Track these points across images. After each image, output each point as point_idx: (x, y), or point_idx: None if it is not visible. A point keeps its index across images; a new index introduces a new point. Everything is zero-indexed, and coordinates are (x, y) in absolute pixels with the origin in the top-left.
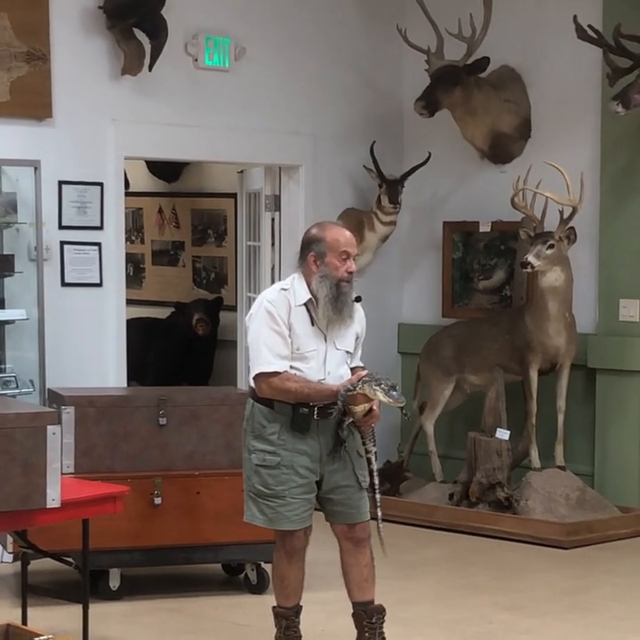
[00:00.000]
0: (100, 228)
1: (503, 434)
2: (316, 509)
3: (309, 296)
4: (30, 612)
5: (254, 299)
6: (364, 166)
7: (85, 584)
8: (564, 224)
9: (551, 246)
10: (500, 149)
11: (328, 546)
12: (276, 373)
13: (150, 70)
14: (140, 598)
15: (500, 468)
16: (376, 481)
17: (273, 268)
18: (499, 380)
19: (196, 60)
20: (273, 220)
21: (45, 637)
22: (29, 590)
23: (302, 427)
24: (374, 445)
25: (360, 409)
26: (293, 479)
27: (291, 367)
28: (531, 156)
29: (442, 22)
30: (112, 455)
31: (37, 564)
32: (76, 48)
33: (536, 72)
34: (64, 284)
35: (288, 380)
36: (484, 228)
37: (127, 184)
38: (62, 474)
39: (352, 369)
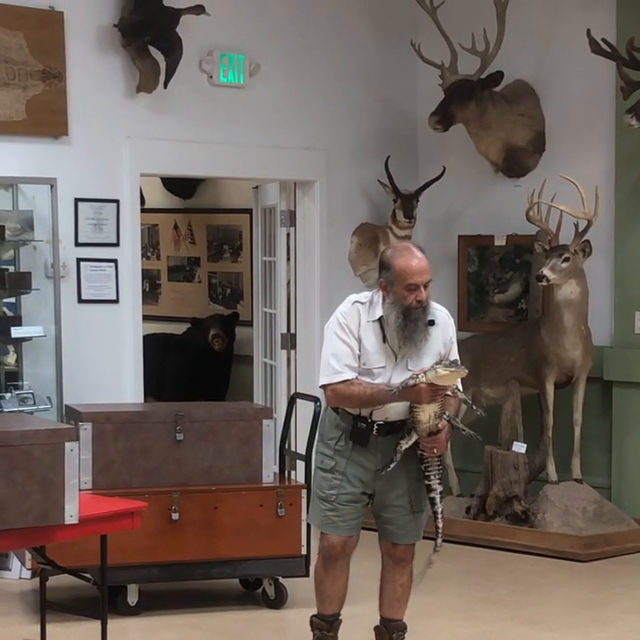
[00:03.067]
0: (117, 244)
1: (520, 447)
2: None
3: (381, 314)
4: (49, 628)
5: (270, 314)
6: (379, 181)
7: (104, 600)
8: (579, 237)
9: (566, 259)
10: (515, 163)
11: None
12: (343, 382)
13: (165, 87)
14: (158, 614)
15: (516, 482)
16: (440, 524)
17: (288, 283)
18: (515, 394)
19: (211, 76)
20: (288, 235)
21: None
22: (48, 606)
23: (360, 441)
24: (440, 483)
25: (425, 418)
26: (343, 485)
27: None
28: (545, 169)
29: (455, 37)
30: (129, 471)
31: (56, 580)
32: (92, 66)
33: (550, 86)
34: (81, 300)
35: (352, 385)
36: (499, 241)
37: (143, 201)
38: (80, 490)
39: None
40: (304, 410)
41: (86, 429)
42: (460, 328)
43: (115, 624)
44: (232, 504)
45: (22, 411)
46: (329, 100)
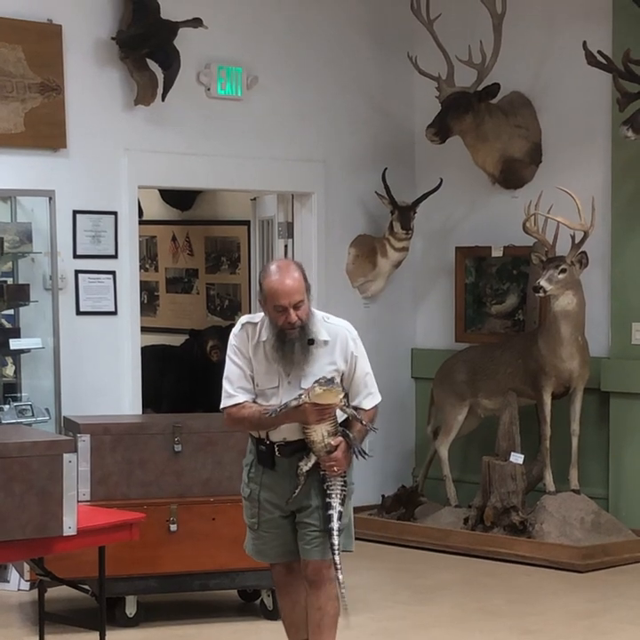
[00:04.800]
0: (115, 256)
1: (517, 458)
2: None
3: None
4: (48, 638)
5: None
6: (376, 193)
7: (102, 611)
8: (575, 248)
9: (563, 271)
10: (512, 174)
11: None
12: (235, 405)
13: (163, 100)
14: (156, 625)
15: (514, 492)
16: (335, 541)
17: None
18: (512, 405)
19: (209, 89)
20: (286, 246)
21: None
22: (46, 618)
23: (266, 463)
24: (341, 504)
25: (319, 438)
26: (261, 513)
27: (254, 402)
28: (542, 180)
29: (452, 49)
30: (128, 482)
31: (54, 592)
32: (90, 79)
33: (546, 97)
34: (79, 312)
35: (244, 408)
36: (497, 252)
37: (141, 213)
38: (78, 502)
39: (357, 409)
40: None
41: (84, 441)
42: (457, 339)
43: (113, 635)
44: (230, 515)
45: (21, 422)
46: (326, 112)
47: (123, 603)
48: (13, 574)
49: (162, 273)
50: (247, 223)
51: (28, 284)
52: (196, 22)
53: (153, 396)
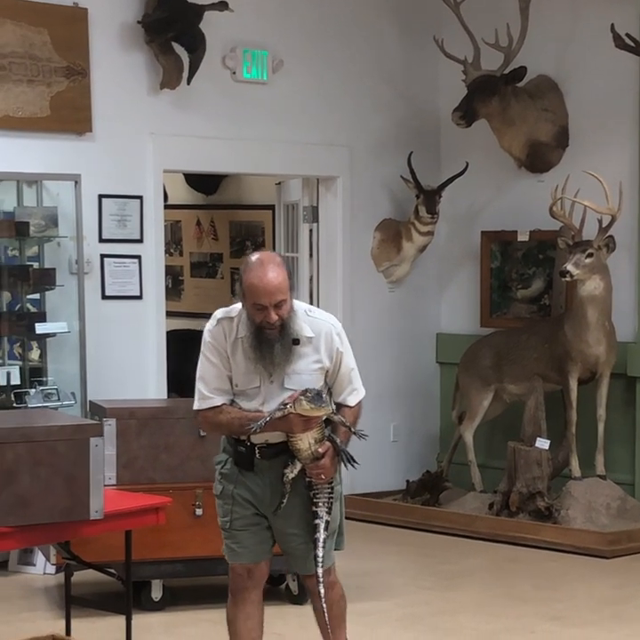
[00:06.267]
0: (140, 240)
1: (543, 443)
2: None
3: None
4: (74, 623)
5: None
6: (402, 177)
7: (128, 595)
8: (602, 232)
9: (590, 255)
10: (538, 158)
11: (364, 555)
12: (211, 408)
13: (189, 84)
14: (181, 609)
15: (540, 478)
16: (320, 553)
17: (311, 279)
18: (538, 390)
19: (234, 73)
20: (311, 231)
21: None
22: (73, 601)
23: (244, 465)
24: (328, 512)
25: (305, 446)
26: (235, 510)
27: (232, 403)
28: (569, 164)
29: (478, 32)
30: (153, 467)
31: (80, 576)
32: (115, 62)
33: (573, 81)
34: (104, 296)
35: (221, 413)
36: (523, 237)
37: (165, 197)
38: (104, 486)
39: (339, 408)
40: None
41: (110, 425)
42: (482, 324)
43: (139, 619)
44: None
45: (47, 406)
46: (352, 96)
47: (148, 587)
48: (39, 558)
49: (186, 257)
50: (272, 207)
51: (54, 269)
52: (222, 5)
53: (177, 381)
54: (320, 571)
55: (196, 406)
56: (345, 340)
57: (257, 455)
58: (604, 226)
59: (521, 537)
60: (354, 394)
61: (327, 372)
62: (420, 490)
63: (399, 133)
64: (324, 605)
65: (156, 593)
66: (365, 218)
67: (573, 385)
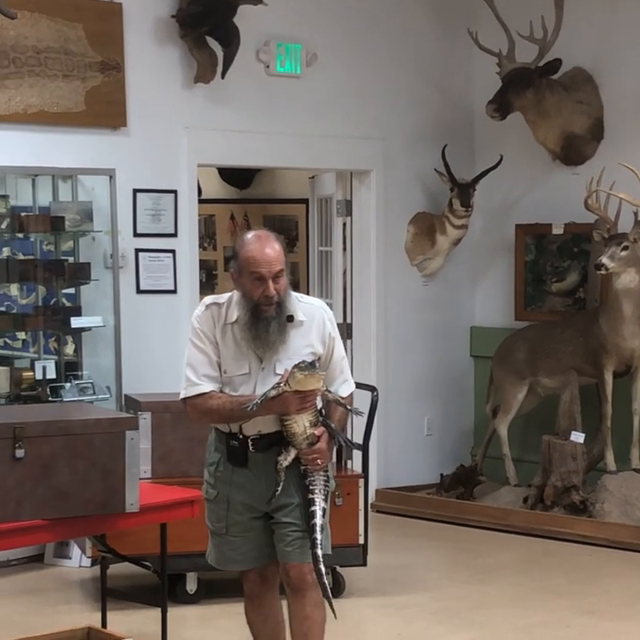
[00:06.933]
0: (174, 235)
1: (578, 437)
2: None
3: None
4: (109, 615)
5: (326, 304)
6: (436, 170)
7: (163, 588)
8: (638, 225)
9: (625, 248)
10: (573, 151)
11: (398, 549)
12: (200, 395)
13: (223, 78)
14: (216, 602)
15: (575, 472)
16: (318, 536)
17: (344, 273)
18: (573, 383)
19: (268, 66)
20: (344, 224)
21: None
22: (108, 594)
23: (237, 460)
24: (325, 500)
25: (300, 430)
26: (231, 515)
27: (221, 391)
28: (604, 157)
29: (513, 25)
30: (188, 460)
31: (116, 569)
32: (150, 57)
33: (608, 73)
34: (139, 291)
35: (211, 399)
36: (557, 230)
37: (199, 191)
38: (139, 479)
39: (329, 404)
40: (361, 399)
41: (145, 419)
42: (517, 317)
43: (173, 612)
44: None
45: (82, 400)
46: (385, 89)
47: (183, 579)
48: (75, 551)
49: (220, 252)
50: (305, 201)
51: (89, 263)
52: None
53: None
54: (320, 552)
55: (183, 394)
56: (336, 327)
57: (250, 448)
58: (639, 218)
59: (556, 531)
60: (345, 384)
61: (319, 358)
62: (454, 484)
63: (433, 126)
64: (326, 582)
65: (191, 585)
66: (399, 211)
67: (608, 378)
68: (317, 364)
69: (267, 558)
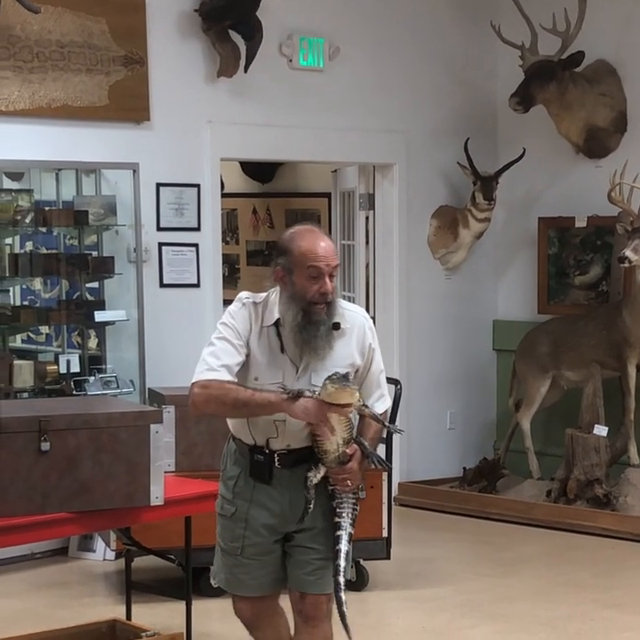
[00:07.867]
0: (197, 229)
1: (601, 430)
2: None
3: (278, 316)
4: (134, 608)
5: (349, 297)
6: (458, 163)
7: (188, 581)
8: None
9: None
10: (596, 144)
11: (421, 542)
12: (214, 380)
13: (246, 72)
14: None
15: (598, 465)
16: (342, 562)
17: (367, 267)
18: (596, 377)
19: (291, 60)
20: (367, 218)
21: (151, 632)
22: (133, 587)
23: (261, 477)
24: (352, 525)
25: (333, 448)
26: (248, 536)
27: None
28: (627, 149)
29: (536, 17)
30: (212, 453)
31: (140, 562)
32: (173, 51)
33: (632, 65)
34: (162, 284)
35: (227, 384)
36: (580, 223)
37: (222, 186)
38: (164, 472)
39: (363, 417)
40: None
41: (169, 412)
42: (539, 311)
43: (198, 605)
44: None
45: (106, 394)
46: (408, 83)
47: (208, 572)
48: (99, 544)
49: (242, 245)
50: (328, 195)
51: (113, 257)
52: None
53: None
54: (342, 579)
55: (197, 377)
56: (376, 338)
57: (276, 463)
58: None
59: (578, 524)
60: (381, 400)
61: (357, 370)
62: (476, 477)
63: (456, 119)
64: (346, 611)
65: None
66: (422, 205)
67: (632, 371)
68: (351, 377)
69: (279, 584)
